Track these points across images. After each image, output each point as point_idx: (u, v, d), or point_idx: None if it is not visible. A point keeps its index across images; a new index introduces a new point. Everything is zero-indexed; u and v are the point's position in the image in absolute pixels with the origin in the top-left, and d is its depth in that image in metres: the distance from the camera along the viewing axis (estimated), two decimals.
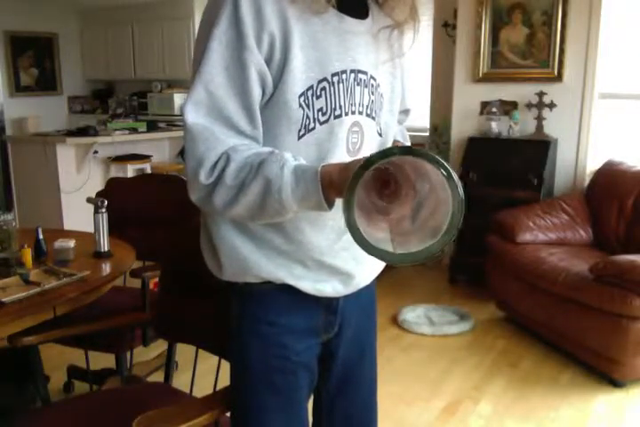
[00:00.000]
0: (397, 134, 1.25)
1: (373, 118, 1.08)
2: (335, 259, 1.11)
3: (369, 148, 1.08)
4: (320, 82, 0.99)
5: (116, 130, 5.09)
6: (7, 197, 5.05)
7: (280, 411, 1.15)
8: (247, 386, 1.14)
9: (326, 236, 1.08)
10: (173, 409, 1.38)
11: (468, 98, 4.08)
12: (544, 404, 2.54)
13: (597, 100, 3.71)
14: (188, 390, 1.75)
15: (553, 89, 3.75)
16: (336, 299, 1.15)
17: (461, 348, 3.08)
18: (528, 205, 3.49)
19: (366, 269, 1.18)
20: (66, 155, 4.81)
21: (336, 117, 1.01)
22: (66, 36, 6.15)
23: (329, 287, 1.13)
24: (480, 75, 4.02)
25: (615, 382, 2.68)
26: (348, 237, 0.98)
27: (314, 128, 1.00)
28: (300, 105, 0.98)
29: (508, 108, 3.91)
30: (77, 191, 4.69)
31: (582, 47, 3.68)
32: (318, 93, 0.99)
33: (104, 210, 2.14)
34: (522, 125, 3.84)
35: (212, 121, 0.95)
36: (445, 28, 4.53)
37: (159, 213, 2.47)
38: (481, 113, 4.03)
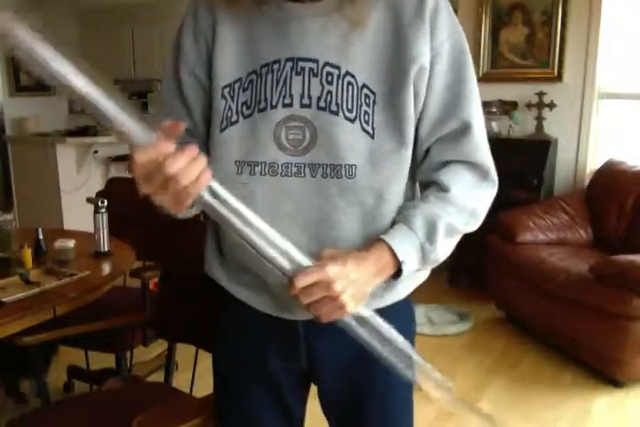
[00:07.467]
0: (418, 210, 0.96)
1: (336, 113, 0.91)
2: (245, 255, 0.93)
3: (339, 148, 0.92)
4: (250, 74, 0.95)
5: None
6: (7, 197, 5.05)
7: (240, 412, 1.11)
8: (215, 383, 1.17)
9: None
10: (173, 409, 1.38)
11: None
12: (544, 404, 2.54)
13: (597, 100, 3.71)
14: (188, 390, 1.75)
15: (553, 89, 3.75)
16: (294, 321, 1.01)
17: (461, 348, 3.08)
18: (528, 205, 3.49)
19: None
20: (66, 155, 4.81)
21: (260, 111, 0.93)
22: (66, 36, 6.15)
23: (253, 296, 1.02)
24: (480, 75, 4.02)
25: (615, 382, 2.67)
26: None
27: (236, 121, 0.94)
28: (223, 96, 0.95)
29: (507, 108, 3.90)
30: (77, 191, 4.68)
31: (582, 47, 3.67)
32: (246, 86, 0.95)
33: (104, 210, 2.14)
34: (522, 125, 3.84)
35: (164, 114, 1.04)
36: None
37: (159, 213, 2.46)
38: None
